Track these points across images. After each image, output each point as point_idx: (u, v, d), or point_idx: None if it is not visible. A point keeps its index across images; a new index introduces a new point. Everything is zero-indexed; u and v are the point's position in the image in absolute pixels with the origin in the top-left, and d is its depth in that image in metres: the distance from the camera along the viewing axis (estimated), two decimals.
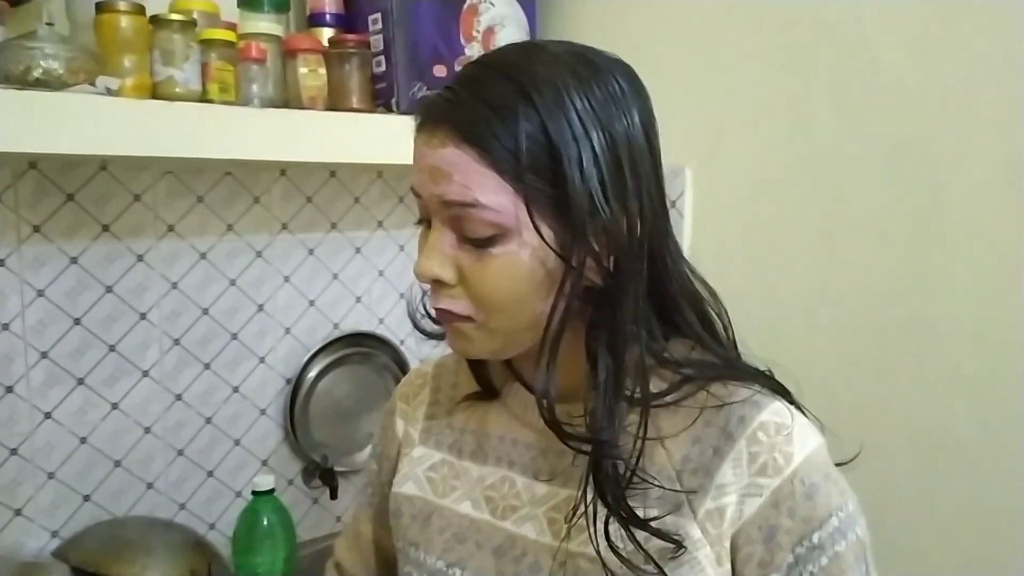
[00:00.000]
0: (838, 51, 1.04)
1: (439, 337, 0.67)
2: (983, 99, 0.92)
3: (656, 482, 0.58)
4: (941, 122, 0.95)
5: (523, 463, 0.66)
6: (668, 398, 0.59)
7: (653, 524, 0.56)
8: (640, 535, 0.57)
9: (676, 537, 0.56)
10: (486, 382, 0.71)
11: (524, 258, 0.56)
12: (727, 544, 0.57)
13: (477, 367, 0.71)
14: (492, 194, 0.54)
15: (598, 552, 0.57)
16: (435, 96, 0.58)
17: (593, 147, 0.54)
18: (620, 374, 0.58)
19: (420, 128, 0.58)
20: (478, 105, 0.55)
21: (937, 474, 0.97)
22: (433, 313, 0.62)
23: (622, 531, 0.57)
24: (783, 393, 0.62)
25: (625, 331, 0.57)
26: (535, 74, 0.55)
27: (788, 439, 0.57)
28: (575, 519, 0.60)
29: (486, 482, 0.68)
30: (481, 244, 0.56)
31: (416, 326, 0.70)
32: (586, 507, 0.58)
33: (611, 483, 0.57)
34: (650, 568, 0.56)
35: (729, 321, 0.64)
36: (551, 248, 0.55)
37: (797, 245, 1.11)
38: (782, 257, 1.12)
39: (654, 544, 0.56)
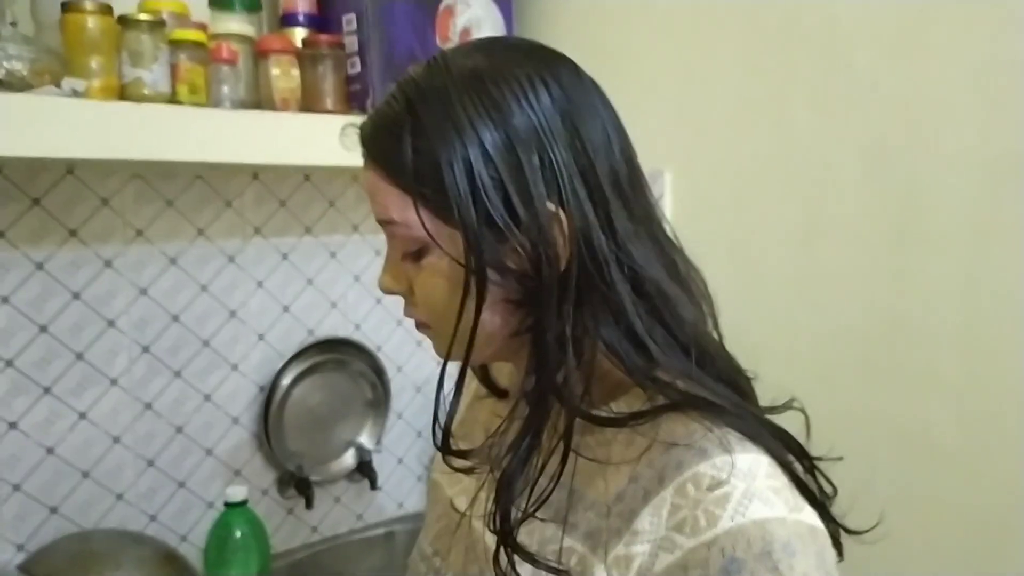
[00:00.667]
0: (815, 54, 1.04)
1: None
2: (960, 101, 0.92)
3: (590, 507, 0.55)
4: (918, 124, 0.96)
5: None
6: (614, 423, 0.55)
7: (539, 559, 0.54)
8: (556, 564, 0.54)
9: (559, 568, 0.53)
10: (489, 382, 0.72)
11: (444, 268, 0.56)
12: None
13: (481, 369, 0.73)
14: (401, 210, 0.56)
15: (492, 567, 0.55)
16: (363, 121, 0.60)
17: (485, 151, 0.53)
18: (543, 385, 0.55)
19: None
20: (378, 126, 0.57)
21: (917, 477, 0.97)
22: None
23: (511, 564, 0.55)
24: (765, 442, 0.54)
25: (548, 338, 0.54)
26: (427, 87, 0.55)
27: (719, 499, 0.50)
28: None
29: (480, 480, 0.67)
30: (414, 257, 0.58)
31: None
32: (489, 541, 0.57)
33: (506, 515, 0.55)
34: None
35: (715, 326, 0.60)
36: (451, 257, 0.55)
37: (776, 247, 1.11)
38: (761, 260, 1.12)
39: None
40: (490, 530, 0.55)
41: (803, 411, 0.60)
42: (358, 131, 0.59)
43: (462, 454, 0.58)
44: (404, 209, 0.55)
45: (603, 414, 0.56)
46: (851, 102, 1.01)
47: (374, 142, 0.57)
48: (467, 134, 0.53)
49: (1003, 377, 0.90)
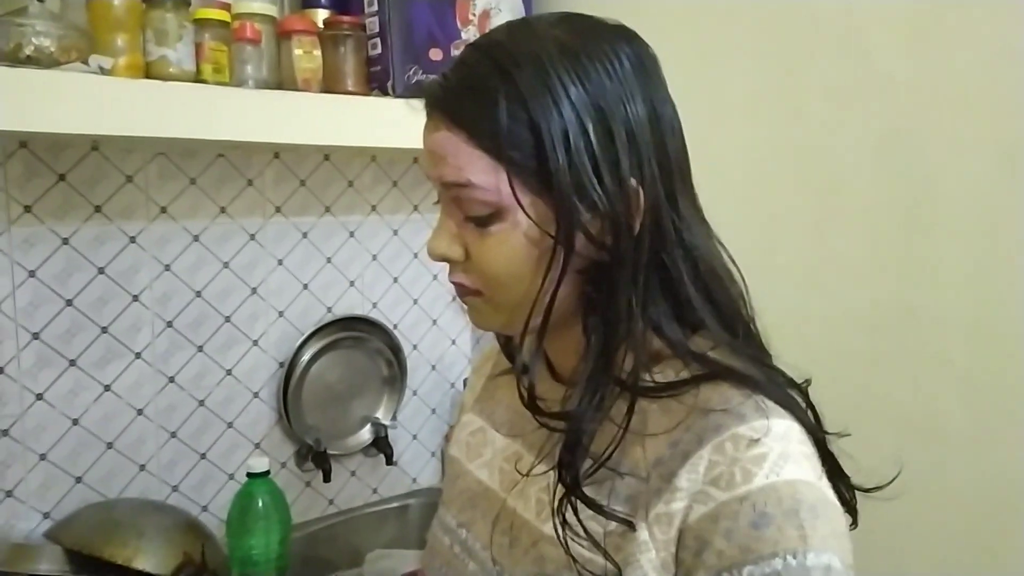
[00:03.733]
0: (830, 43, 1.04)
1: None
2: (973, 90, 0.92)
3: (621, 474, 0.57)
4: (932, 113, 0.96)
5: (531, 440, 0.67)
6: (663, 392, 0.57)
7: (606, 510, 0.56)
8: (595, 528, 0.56)
9: (629, 518, 0.55)
10: (513, 358, 0.73)
11: (519, 235, 0.57)
12: (674, 550, 0.54)
13: (506, 343, 0.73)
14: (483, 174, 0.55)
15: (557, 535, 0.57)
16: (431, 82, 0.59)
17: (581, 121, 0.54)
18: (610, 353, 0.57)
19: (426, 113, 0.60)
20: (463, 88, 0.56)
21: (925, 463, 0.98)
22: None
23: (576, 518, 0.56)
24: (796, 411, 0.56)
25: (619, 309, 0.56)
26: (518, 52, 0.55)
27: (757, 458, 0.52)
28: (553, 500, 0.58)
29: (504, 453, 0.69)
30: (481, 223, 0.57)
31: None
32: (554, 490, 0.58)
33: (574, 464, 0.56)
34: (598, 559, 0.56)
35: (750, 307, 0.62)
36: (535, 223, 0.56)
37: (789, 235, 1.11)
38: (774, 247, 1.12)
39: (610, 540, 0.56)
40: (563, 483, 0.57)
41: (808, 396, 0.61)
42: (425, 92, 0.58)
43: (555, 415, 0.58)
44: (485, 172, 0.55)
45: (649, 384, 0.58)
46: (866, 92, 1.01)
47: (457, 104, 0.56)
48: (563, 103, 0.54)
49: (1012, 365, 0.91)
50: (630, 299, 0.56)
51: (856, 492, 0.61)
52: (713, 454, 0.54)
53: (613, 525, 0.56)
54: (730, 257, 0.62)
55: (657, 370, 0.60)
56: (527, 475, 0.63)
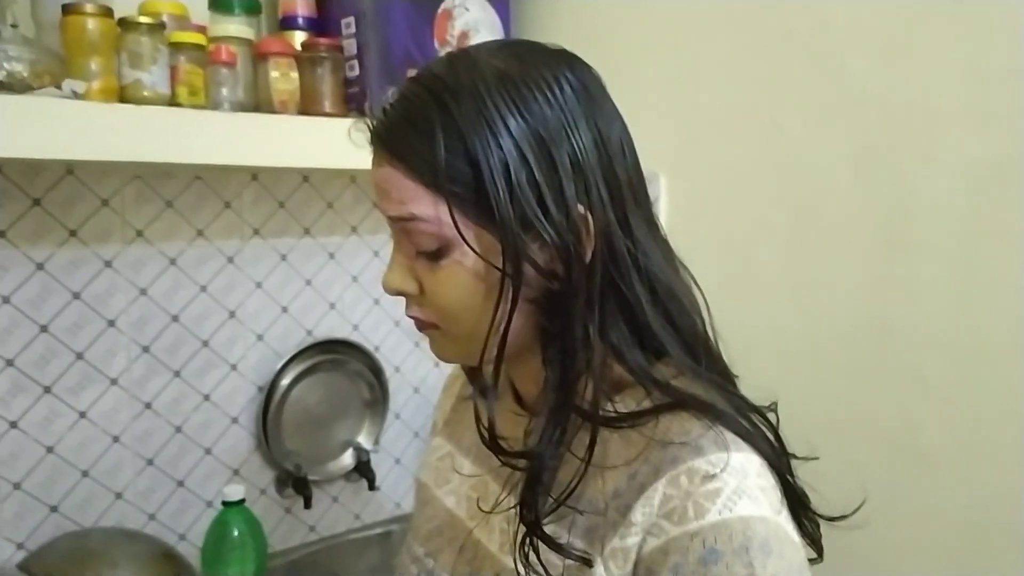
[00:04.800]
0: (807, 60, 1.05)
1: None
2: (949, 108, 0.93)
3: (580, 511, 0.56)
4: (907, 130, 0.96)
5: (498, 471, 0.66)
6: (624, 423, 0.56)
7: (565, 548, 0.55)
8: (555, 562, 0.55)
9: (583, 555, 0.55)
10: (475, 383, 0.71)
11: (468, 268, 0.56)
12: None
13: (471, 369, 0.72)
14: (425, 208, 0.55)
15: (518, 572, 0.56)
16: (374, 115, 0.59)
17: (521, 152, 0.53)
18: (569, 385, 0.56)
19: (371, 149, 0.60)
20: (402, 122, 0.56)
21: (904, 481, 0.98)
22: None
23: (536, 556, 0.56)
24: (756, 443, 0.56)
25: (575, 338, 0.55)
26: (456, 84, 0.55)
27: (711, 493, 0.52)
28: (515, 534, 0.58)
29: (470, 481, 0.69)
30: (431, 256, 0.57)
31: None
32: (516, 525, 0.57)
33: (535, 504, 0.56)
34: None
35: (711, 328, 0.61)
36: (480, 256, 0.55)
37: (766, 251, 1.11)
38: (752, 263, 1.12)
39: (568, 573, 0.55)
40: (523, 522, 0.56)
41: (776, 416, 0.61)
42: (369, 128, 0.59)
43: (516, 454, 0.58)
44: (429, 207, 0.55)
45: (610, 415, 0.57)
46: (842, 108, 1.02)
47: (397, 138, 0.56)
48: (501, 133, 0.53)
49: (991, 382, 0.91)
50: (586, 328, 0.55)
51: (820, 525, 0.60)
52: (668, 487, 0.53)
53: (571, 560, 0.55)
54: (691, 276, 0.61)
55: (618, 399, 0.59)
56: (490, 511, 0.62)
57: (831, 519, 0.60)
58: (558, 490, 0.56)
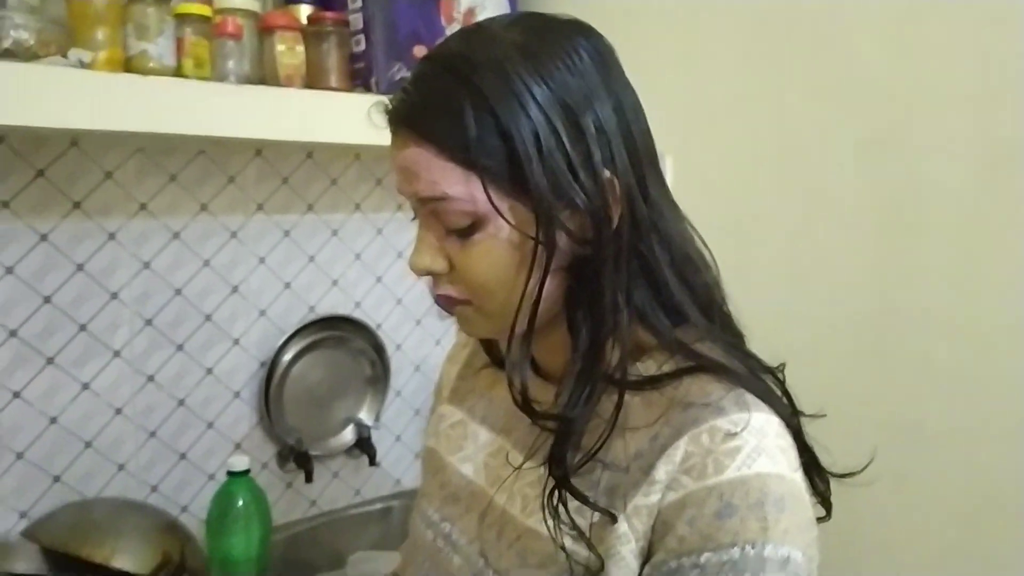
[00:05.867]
0: (815, 43, 1.05)
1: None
2: (956, 92, 0.93)
3: (606, 464, 0.57)
4: (915, 114, 0.96)
5: (517, 437, 0.67)
6: (647, 386, 0.58)
7: (592, 501, 0.56)
8: (581, 521, 0.56)
9: (612, 511, 0.56)
10: (495, 355, 0.73)
11: (502, 241, 0.57)
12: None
13: (485, 341, 0.74)
14: (458, 185, 0.55)
15: (547, 527, 0.57)
16: (392, 98, 0.59)
17: (550, 120, 0.54)
18: (598, 348, 0.57)
19: (390, 130, 0.60)
20: (426, 102, 0.56)
21: (908, 463, 0.99)
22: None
23: (564, 509, 0.57)
24: (774, 404, 0.57)
25: (604, 302, 0.56)
26: (477, 59, 0.55)
27: (731, 451, 0.53)
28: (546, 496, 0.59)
29: (487, 449, 0.69)
30: (463, 233, 0.57)
31: (437, 303, 0.70)
32: (544, 485, 0.58)
33: (564, 459, 0.57)
34: (582, 551, 0.56)
35: (722, 289, 0.62)
36: (516, 228, 0.56)
37: (772, 234, 1.12)
38: (757, 246, 1.13)
39: (594, 532, 0.56)
40: (553, 476, 0.57)
41: (784, 376, 0.62)
42: (388, 110, 0.58)
43: (549, 416, 0.59)
44: (461, 184, 0.55)
45: (634, 378, 0.58)
46: (849, 91, 1.02)
47: (423, 118, 0.56)
48: (529, 104, 0.54)
49: (995, 365, 0.92)
50: (615, 291, 0.57)
51: (831, 484, 0.61)
52: (689, 445, 0.54)
53: (596, 517, 0.56)
54: (702, 240, 0.62)
55: (640, 363, 0.60)
56: (519, 468, 0.63)
57: (841, 476, 0.62)
58: (590, 442, 0.57)
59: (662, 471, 0.55)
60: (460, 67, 0.55)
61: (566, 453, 0.57)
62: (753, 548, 0.51)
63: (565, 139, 0.54)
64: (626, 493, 0.56)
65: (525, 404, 0.59)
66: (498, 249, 0.57)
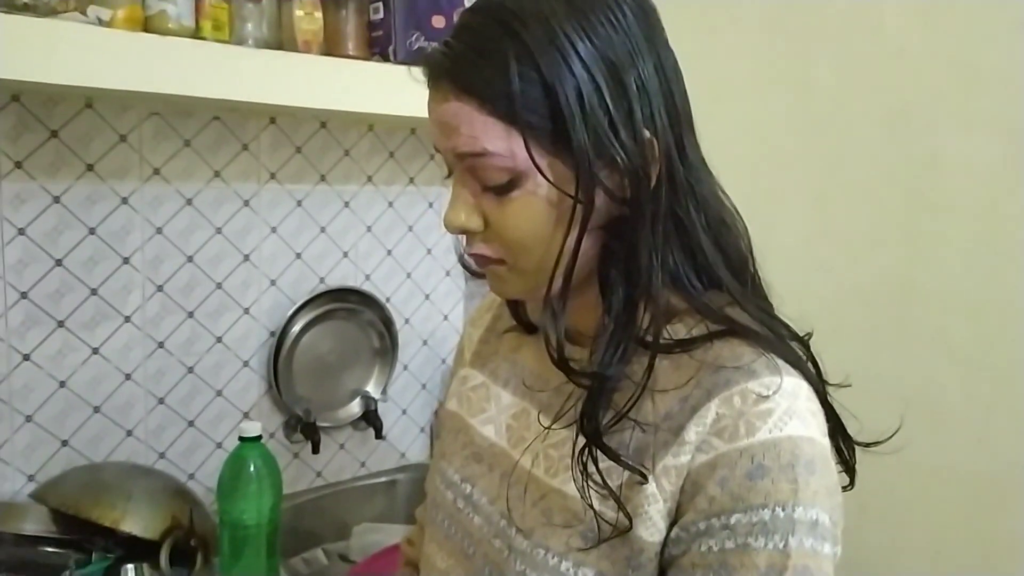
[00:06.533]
0: (842, 15, 1.04)
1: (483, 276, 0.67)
2: (983, 68, 0.92)
3: (637, 423, 0.57)
4: (941, 90, 0.96)
5: (540, 399, 0.67)
6: (678, 348, 0.57)
7: (623, 459, 0.56)
8: (610, 479, 0.56)
9: (643, 469, 0.56)
10: (521, 318, 0.73)
11: (540, 198, 0.56)
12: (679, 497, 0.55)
13: (512, 303, 0.73)
14: (498, 140, 0.55)
15: (576, 486, 0.57)
16: (434, 51, 0.58)
17: (593, 77, 0.53)
18: (632, 307, 0.57)
19: (428, 85, 0.59)
20: (470, 54, 0.55)
21: (924, 441, 0.98)
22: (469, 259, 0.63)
23: (595, 467, 0.57)
24: (804, 370, 0.57)
25: (639, 261, 0.56)
26: (523, 12, 0.54)
27: (763, 413, 0.53)
28: (575, 457, 0.59)
29: (510, 411, 0.69)
30: (500, 190, 0.57)
31: (463, 263, 0.70)
32: (574, 445, 0.58)
33: (595, 416, 0.57)
34: (610, 511, 0.56)
35: (753, 257, 0.62)
36: (555, 185, 0.55)
37: (792, 209, 1.11)
38: (776, 218, 1.12)
39: (622, 492, 0.56)
40: (584, 434, 0.57)
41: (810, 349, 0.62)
42: (428, 62, 0.57)
43: (583, 373, 0.58)
44: (501, 139, 0.54)
45: (665, 341, 0.58)
46: (876, 64, 1.01)
47: (465, 72, 0.55)
48: (573, 60, 0.53)
49: (1012, 343, 0.92)
50: (650, 251, 0.56)
51: (856, 451, 0.61)
52: (720, 407, 0.54)
53: (625, 476, 0.56)
54: (733, 206, 0.62)
55: (671, 325, 0.60)
56: (548, 428, 0.63)
57: (867, 445, 0.61)
58: (621, 401, 0.57)
59: (692, 432, 0.54)
60: (506, 20, 0.54)
61: (599, 411, 0.57)
62: (783, 510, 0.51)
63: (608, 97, 0.54)
64: (655, 453, 0.56)
65: (561, 360, 0.59)
66: (535, 206, 0.56)
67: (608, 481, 0.56)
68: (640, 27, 0.56)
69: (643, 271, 0.56)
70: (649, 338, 0.57)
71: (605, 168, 0.55)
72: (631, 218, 0.56)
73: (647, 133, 0.55)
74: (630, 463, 0.56)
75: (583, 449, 0.57)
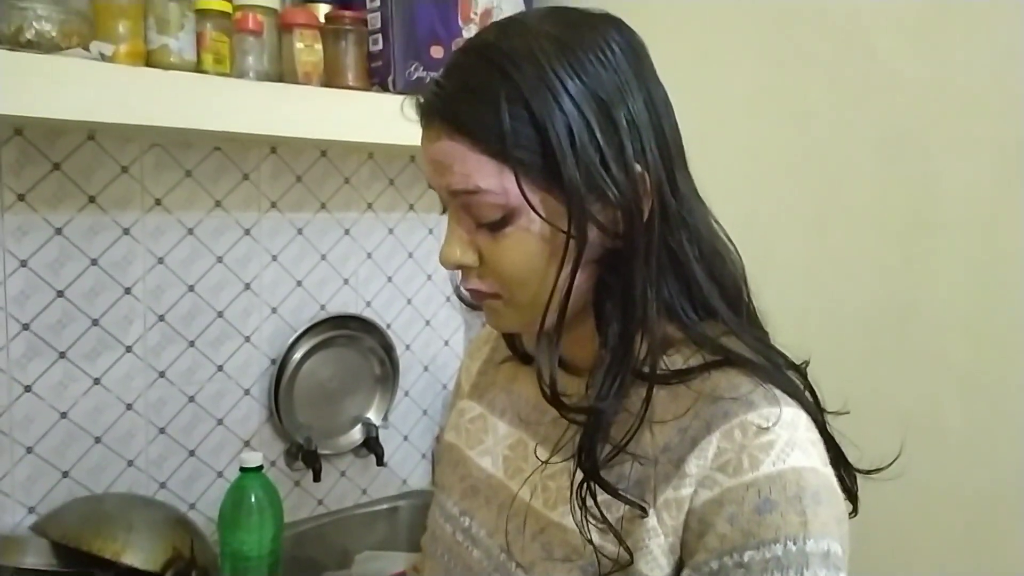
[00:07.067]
0: (835, 41, 1.05)
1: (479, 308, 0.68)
2: (978, 91, 0.93)
3: (635, 456, 0.57)
4: (936, 113, 0.97)
5: (537, 430, 0.67)
6: (675, 379, 0.58)
7: (622, 493, 0.56)
8: (609, 514, 0.56)
9: (643, 503, 0.56)
10: (517, 349, 0.73)
11: (533, 234, 0.57)
12: (682, 535, 0.55)
13: (508, 334, 0.74)
14: (491, 178, 0.55)
15: (575, 520, 0.57)
16: (425, 90, 0.59)
17: (583, 114, 0.54)
18: (628, 341, 0.57)
19: (421, 123, 0.60)
20: (461, 93, 0.56)
21: (925, 463, 0.99)
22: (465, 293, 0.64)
23: (593, 502, 0.57)
24: (802, 399, 0.58)
25: (634, 295, 0.57)
26: (513, 50, 0.55)
27: (764, 446, 0.53)
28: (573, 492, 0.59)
29: (507, 442, 0.69)
30: (494, 227, 0.57)
31: (459, 296, 0.71)
32: (572, 479, 0.58)
33: (593, 452, 0.57)
34: (610, 545, 0.56)
35: (748, 285, 0.63)
36: (547, 221, 0.56)
37: (790, 233, 1.12)
38: (774, 244, 1.13)
39: (622, 525, 0.56)
40: (582, 469, 0.57)
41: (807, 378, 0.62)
42: (421, 102, 0.58)
43: (578, 409, 0.59)
44: (494, 177, 0.55)
45: (662, 371, 0.58)
46: (870, 90, 1.02)
47: (457, 111, 0.56)
48: (563, 97, 0.54)
49: (1011, 365, 0.92)
50: (645, 283, 0.57)
51: (857, 479, 0.61)
52: (722, 440, 0.54)
53: (624, 511, 0.56)
54: (727, 236, 0.63)
55: (667, 356, 0.60)
56: (546, 462, 0.63)
57: (868, 472, 0.62)
58: (618, 436, 0.57)
59: (693, 465, 0.55)
60: (495, 58, 0.55)
61: (596, 446, 0.57)
62: (795, 544, 0.51)
63: (598, 133, 0.54)
64: (656, 486, 0.56)
65: (554, 397, 0.59)
66: (529, 242, 0.57)
67: (607, 515, 0.56)
68: (629, 64, 0.57)
69: (638, 304, 0.57)
70: (646, 369, 0.57)
71: (597, 203, 0.55)
72: (625, 252, 0.57)
73: (639, 167, 0.56)
74: (630, 497, 0.56)
75: (581, 484, 0.57)
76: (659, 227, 0.57)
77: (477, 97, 0.55)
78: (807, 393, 0.60)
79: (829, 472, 0.56)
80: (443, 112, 0.57)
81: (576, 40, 0.56)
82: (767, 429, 0.54)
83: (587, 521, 0.57)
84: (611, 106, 0.55)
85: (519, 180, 0.55)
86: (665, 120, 0.59)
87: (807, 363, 0.63)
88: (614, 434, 0.57)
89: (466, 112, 0.55)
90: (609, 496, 0.56)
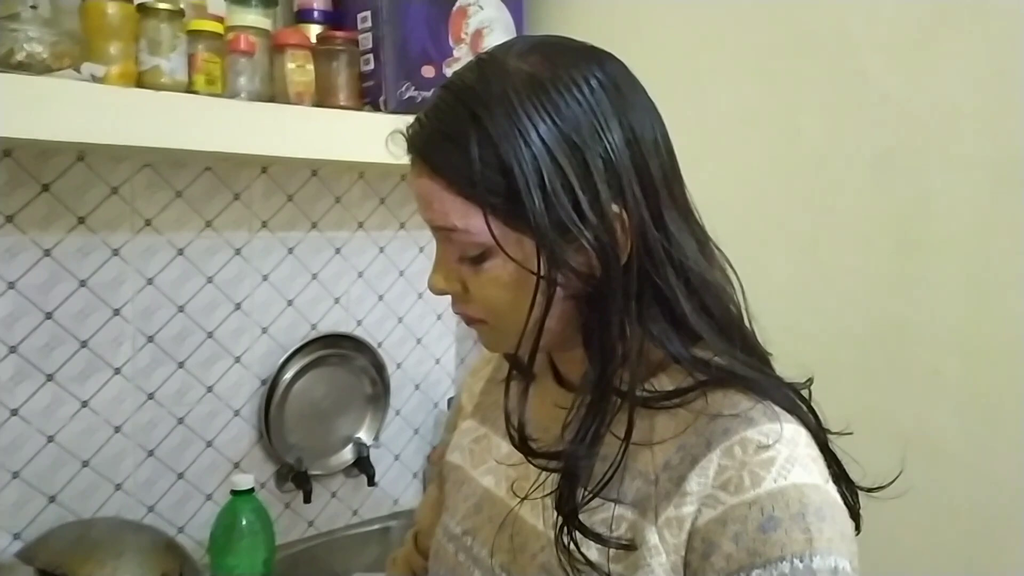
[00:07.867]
0: (825, 62, 1.07)
1: None
2: (967, 109, 0.94)
3: (637, 477, 0.57)
4: (925, 132, 0.98)
5: (539, 448, 0.66)
6: (669, 400, 0.58)
7: (605, 538, 0.56)
8: (604, 530, 0.56)
9: (626, 543, 0.56)
10: (519, 365, 0.72)
11: (511, 271, 0.57)
12: (684, 554, 0.55)
13: (511, 354, 0.73)
14: (466, 218, 0.56)
15: (560, 560, 0.57)
16: (411, 125, 0.60)
17: (555, 158, 0.54)
18: (605, 381, 0.57)
19: (408, 155, 0.60)
20: (436, 136, 0.57)
21: (921, 478, 0.99)
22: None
23: (576, 545, 0.57)
24: (801, 415, 0.58)
25: (612, 335, 0.57)
26: (487, 93, 0.55)
27: (765, 462, 0.53)
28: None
29: (509, 460, 0.69)
30: (474, 260, 0.58)
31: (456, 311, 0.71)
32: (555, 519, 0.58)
33: (571, 497, 0.57)
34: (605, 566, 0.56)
35: (746, 312, 0.62)
36: (518, 263, 0.56)
37: (783, 252, 1.12)
38: (767, 263, 1.13)
39: (619, 552, 0.56)
40: (560, 514, 0.57)
41: (810, 392, 0.62)
42: (406, 137, 0.59)
43: (548, 455, 0.59)
44: (468, 217, 0.56)
45: (654, 394, 0.58)
46: (859, 108, 1.03)
47: (433, 152, 0.57)
48: (534, 141, 0.54)
49: (1005, 381, 0.92)
50: (623, 323, 0.57)
51: (859, 496, 0.61)
52: (722, 458, 0.54)
53: (624, 528, 0.56)
54: (727, 260, 0.62)
55: (663, 378, 0.60)
56: (527, 496, 0.63)
57: (869, 490, 0.62)
58: (603, 465, 0.57)
59: (694, 483, 0.55)
60: (469, 101, 0.55)
61: (573, 489, 0.57)
62: (801, 561, 0.51)
63: (570, 176, 0.54)
64: (657, 505, 0.56)
65: (522, 444, 0.60)
66: (505, 278, 0.58)
67: (602, 531, 0.56)
68: (610, 101, 0.56)
69: (616, 341, 0.57)
70: (638, 392, 0.57)
71: (571, 246, 0.55)
72: (600, 293, 0.56)
73: (616, 208, 0.55)
74: (613, 541, 0.55)
75: (562, 528, 0.57)
76: (642, 267, 0.56)
77: (451, 140, 0.56)
78: (807, 410, 0.60)
79: (831, 488, 0.56)
80: (422, 151, 0.58)
81: (553, 78, 0.55)
82: (768, 446, 0.54)
83: (572, 567, 0.56)
84: (585, 148, 0.54)
85: (488, 222, 0.55)
86: (651, 157, 0.57)
87: (811, 380, 0.62)
88: (606, 453, 0.57)
89: (440, 155, 0.56)
90: (609, 502, 0.56)
